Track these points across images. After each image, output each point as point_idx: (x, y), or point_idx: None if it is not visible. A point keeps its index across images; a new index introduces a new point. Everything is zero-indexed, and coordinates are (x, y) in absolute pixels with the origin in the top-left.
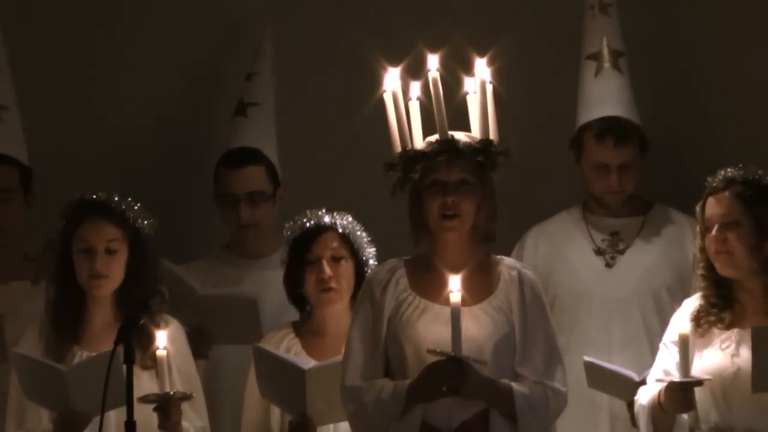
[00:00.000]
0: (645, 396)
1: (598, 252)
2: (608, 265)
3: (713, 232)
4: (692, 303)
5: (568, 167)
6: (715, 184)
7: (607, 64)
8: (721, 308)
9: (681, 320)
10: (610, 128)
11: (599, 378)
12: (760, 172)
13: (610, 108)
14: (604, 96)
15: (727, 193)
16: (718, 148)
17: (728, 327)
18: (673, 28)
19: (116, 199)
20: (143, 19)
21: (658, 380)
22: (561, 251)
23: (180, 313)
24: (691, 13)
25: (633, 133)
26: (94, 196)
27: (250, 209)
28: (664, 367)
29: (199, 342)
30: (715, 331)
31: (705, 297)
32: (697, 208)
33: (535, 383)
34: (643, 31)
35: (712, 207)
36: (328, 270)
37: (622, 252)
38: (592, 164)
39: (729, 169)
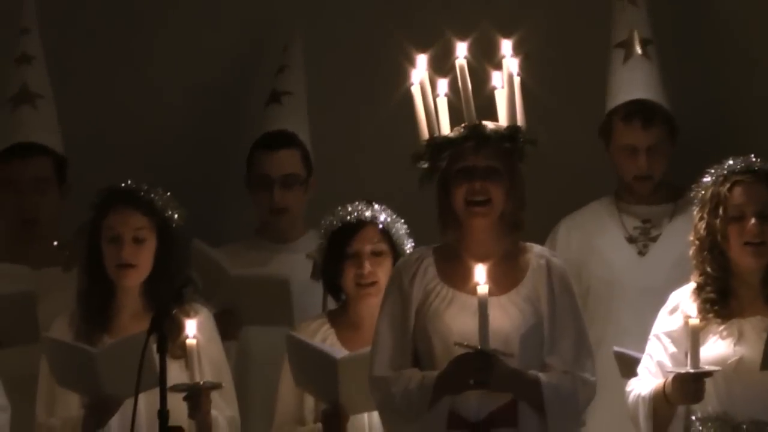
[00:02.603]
0: (644, 388)
1: (631, 240)
2: (641, 253)
3: (751, 220)
4: (682, 295)
5: (600, 158)
6: (739, 170)
7: (637, 51)
8: (721, 304)
9: (672, 313)
10: (637, 110)
11: (630, 368)
12: None
13: (639, 92)
14: (633, 81)
15: (762, 185)
16: (743, 136)
17: (726, 319)
18: (703, 17)
19: (145, 187)
20: (174, 11)
21: (668, 371)
22: (593, 241)
23: (212, 294)
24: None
25: (661, 116)
26: (123, 185)
27: (284, 192)
28: (658, 359)
29: (229, 323)
30: (712, 325)
31: (702, 292)
32: (710, 192)
33: (563, 373)
34: (672, 20)
35: (745, 195)
36: (368, 266)
37: (654, 239)
38: (621, 148)
39: (747, 157)
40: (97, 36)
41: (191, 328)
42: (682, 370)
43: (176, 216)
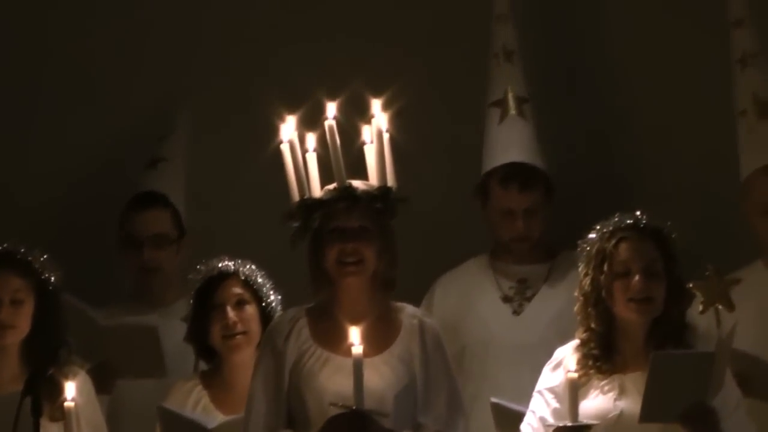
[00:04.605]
0: None
1: (506, 299)
2: (516, 313)
3: (636, 277)
4: (565, 351)
5: (474, 216)
6: (625, 227)
7: (512, 111)
8: (603, 360)
9: (555, 369)
10: (515, 173)
11: (507, 420)
12: (669, 223)
13: (515, 154)
14: (509, 142)
15: (648, 241)
16: (621, 194)
17: (608, 374)
18: (578, 73)
19: (22, 250)
20: (66, 79)
21: (548, 425)
22: (469, 300)
23: (84, 349)
24: (596, 58)
25: (538, 178)
26: (0, 248)
27: (154, 252)
28: (540, 414)
29: (102, 377)
30: (594, 380)
31: (584, 348)
32: (595, 248)
33: None
34: (547, 77)
35: (631, 252)
36: (232, 315)
37: (529, 299)
38: (498, 210)
39: (633, 214)
40: None
41: (70, 390)
42: (561, 424)
43: (53, 278)
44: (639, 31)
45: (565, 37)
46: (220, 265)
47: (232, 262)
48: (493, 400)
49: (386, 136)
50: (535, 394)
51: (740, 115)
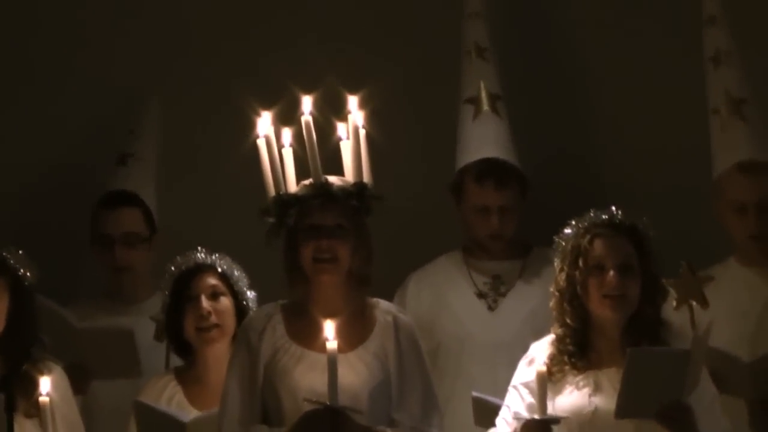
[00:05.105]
0: None
1: (480, 295)
2: (490, 309)
3: (611, 272)
4: (541, 346)
5: (446, 210)
6: (600, 223)
7: (485, 108)
8: (578, 356)
9: (530, 364)
10: (490, 170)
11: (487, 414)
12: (644, 219)
13: (490, 150)
14: (483, 139)
15: (622, 237)
16: (595, 191)
17: (583, 370)
18: (550, 72)
19: None
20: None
21: (516, 418)
22: (443, 296)
23: (59, 350)
24: (567, 59)
25: (513, 175)
26: None
27: (126, 250)
28: (515, 409)
29: (76, 378)
30: (569, 376)
31: (560, 344)
32: (570, 244)
33: (411, 429)
34: (520, 75)
35: (606, 248)
36: (206, 305)
37: (503, 295)
38: (473, 207)
39: (608, 210)
40: None
41: (45, 386)
42: (529, 416)
43: (29, 274)
44: (612, 28)
45: (537, 35)
46: (197, 257)
47: (208, 255)
48: (475, 394)
49: (362, 133)
50: (510, 389)
51: (713, 113)
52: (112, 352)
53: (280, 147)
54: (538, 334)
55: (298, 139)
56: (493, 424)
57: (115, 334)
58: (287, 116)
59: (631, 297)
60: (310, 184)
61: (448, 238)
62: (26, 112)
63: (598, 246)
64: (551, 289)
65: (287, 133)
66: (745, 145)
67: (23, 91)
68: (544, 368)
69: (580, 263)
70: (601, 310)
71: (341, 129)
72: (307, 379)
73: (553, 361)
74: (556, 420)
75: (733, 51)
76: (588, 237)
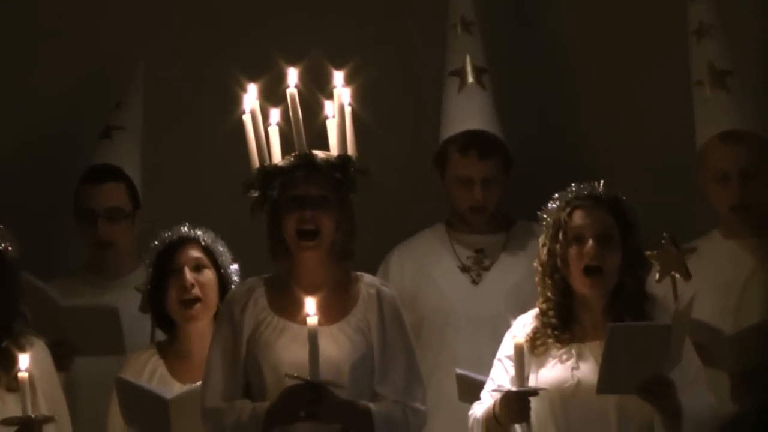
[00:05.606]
0: (480, 409)
1: (464, 269)
2: (474, 282)
3: (589, 242)
4: (526, 320)
5: (431, 185)
6: (581, 196)
7: (470, 80)
8: (562, 329)
9: (515, 337)
10: (473, 141)
11: (471, 390)
12: (623, 196)
13: (474, 122)
14: (468, 111)
15: (603, 209)
16: (577, 166)
17: (566, 343)
18: (535, 46)
19: None
20: (18, 43)
21: (494, 390)
22: (426, 269)
23: (42, 326)
24: (551, 33)
25: (497, 147)
26: None
27: (109, 226)
28: (499, 382)
29: (60, 354)
30: (552, 349)
31: (544, 317)
32: (552, 218)
33: (394, 402)
34: (506, 49)
35: (585, 218)
36: (189, 277)
37: (487, 269)
38: (456, 178)
39: (590, 183)
40: None
41: (24, 361)
42: (506, 389)
43: (10, 249)
44: (596, 2)
45: (522, 10)
46: (180, 230)
47: (192, 229)
48: (459, 371)
49: (348, 110)
50: (495, 362)
51: (696, 85)
52: (97, 330)
53: (266, 125)
54: (522, 308)
55: (284, 116)
56: (477, 400)
57: (99, 312)
58: (273, 91)
59: (610, 270)
60: (295, 155)
61: (434, 215)
62: (3, 81)
63: (578, 217)
64: (534, 264)
65: (274, 112)
66: (728, 115)
67: (7, 60)
68: (521, 340)
69: (560, 236)
70: (581, 288)
71: (327, 107)
72: (289, 352)
73: (537, 334)
74: (533, 392)
75: (717, 24)
76: (568, 209)
